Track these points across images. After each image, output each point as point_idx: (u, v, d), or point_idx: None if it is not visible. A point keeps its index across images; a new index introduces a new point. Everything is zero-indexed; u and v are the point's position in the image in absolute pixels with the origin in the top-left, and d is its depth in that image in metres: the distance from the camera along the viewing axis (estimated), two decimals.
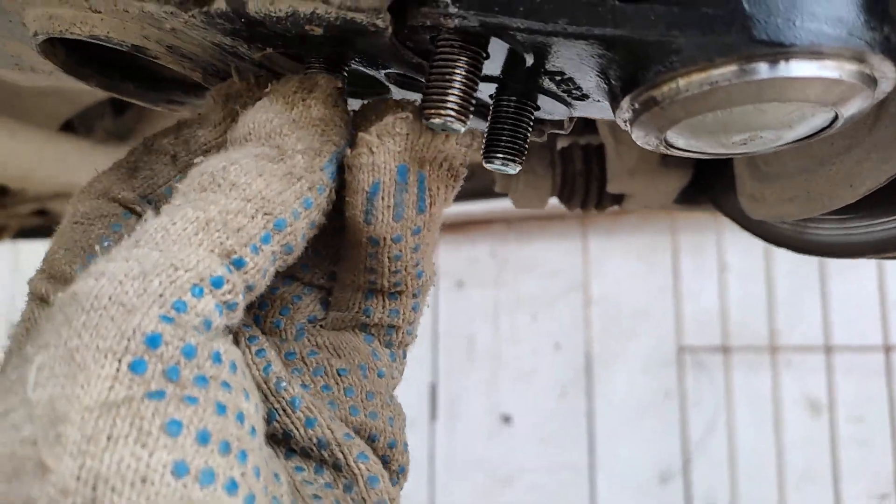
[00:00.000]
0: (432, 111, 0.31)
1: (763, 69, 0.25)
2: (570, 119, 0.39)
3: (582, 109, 0.37)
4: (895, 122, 0.38)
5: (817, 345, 2.02)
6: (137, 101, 0.46)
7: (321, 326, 0.38)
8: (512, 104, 0.36)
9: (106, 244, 0.35)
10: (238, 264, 0.28)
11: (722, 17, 0.25)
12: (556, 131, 0.41)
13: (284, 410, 0.34)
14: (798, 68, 0.25)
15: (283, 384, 0.35)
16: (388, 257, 0.35)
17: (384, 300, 0.37)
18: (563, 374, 2.32)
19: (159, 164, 0.37)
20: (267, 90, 0.34)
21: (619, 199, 0.73)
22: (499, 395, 2.35)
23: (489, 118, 0.37)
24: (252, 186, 0.30)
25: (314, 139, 0.33)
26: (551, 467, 2.26)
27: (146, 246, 0.27)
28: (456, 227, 2.43)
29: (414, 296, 0.37)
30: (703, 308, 2.18)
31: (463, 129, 0.32)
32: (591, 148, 0.72)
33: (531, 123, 0.36)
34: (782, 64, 0.25)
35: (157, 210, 0.36)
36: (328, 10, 0.30)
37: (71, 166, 1.05)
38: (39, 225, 1.42)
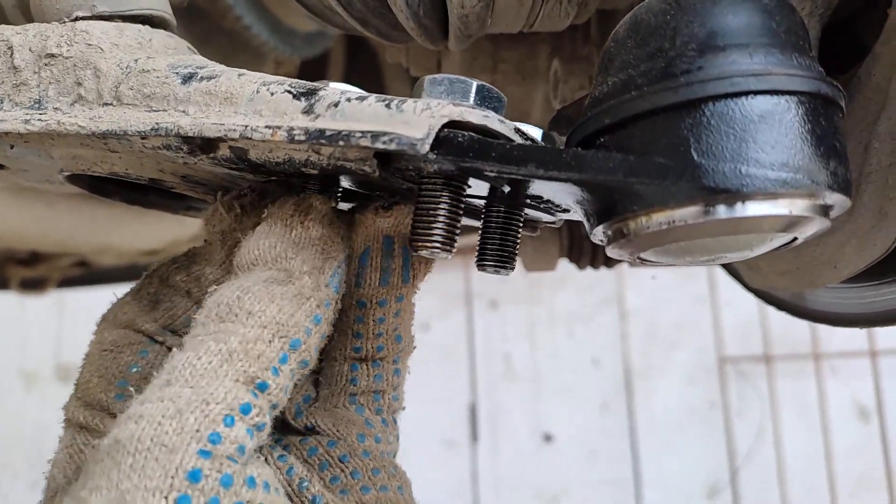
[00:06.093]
0: (419, 244, 0.33)
1: (721, 210, 0.27)
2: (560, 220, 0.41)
3: (568, 216, 0.39)
4: (870, 213, 0.39)
5: (862, 349, 1.97)
6: (161, 211, 0.50)
7: (315, 406, 0.41)
8: (500, 214, 0.38)
9: (134, 370, 0.38)
10: (262, 388, 0.31)
11: (674, 168, 0.27)
12: (550, 226, 0.43)
13: None
14: (753, 209, 0.27)
15: (305, 483, 0.37)
16: (373, 320, 0.39)
17: (368, 367, 0.41)
18: (603, 389, 2.31)
19: (177, 297, 0.41)
20: (265, 215, 0.37)
21: None
22: (539, 412, 2.35)
23: (480, 226, 0.39)
24: (266, 313, 0.32)
25: (316, 258, 0.36)
26: (597, 484, 2.25)
27: (177, 384, 0.30)
28: None
29: (394, 361, 0.41)
30: (741, 317, 2.15)
31: (449, 257, 0.34)
32: None
33: (520, 229, 0.38)
34: (739, 206, 0.27)
35: (180, 338, 0.40)
36: (320, 158, 0.33)
37: (107, 228, 1.10)
38: (81, 275, 1.46)
